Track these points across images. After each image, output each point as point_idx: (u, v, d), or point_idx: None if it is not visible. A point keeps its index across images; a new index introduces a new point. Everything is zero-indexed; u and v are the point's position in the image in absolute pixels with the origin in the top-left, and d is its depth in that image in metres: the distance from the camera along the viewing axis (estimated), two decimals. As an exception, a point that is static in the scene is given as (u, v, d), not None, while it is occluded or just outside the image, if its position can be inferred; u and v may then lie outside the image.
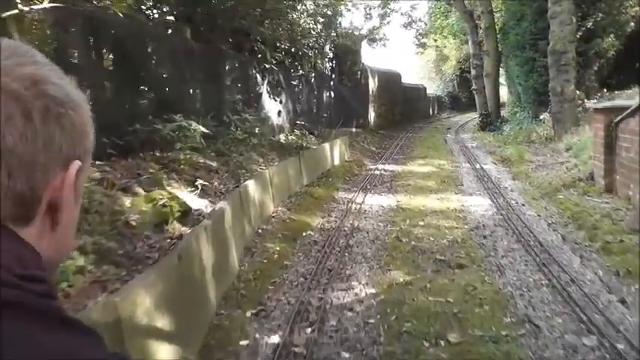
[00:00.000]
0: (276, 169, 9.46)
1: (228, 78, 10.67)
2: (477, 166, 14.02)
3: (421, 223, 8.24)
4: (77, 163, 0.58)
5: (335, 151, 14.01)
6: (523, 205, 9.29)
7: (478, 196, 10.26)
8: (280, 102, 13.57)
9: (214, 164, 8.04)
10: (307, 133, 14.56)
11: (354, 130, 20.33)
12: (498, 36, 30.55)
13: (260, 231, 7.60)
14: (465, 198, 10.05)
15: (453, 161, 15.11)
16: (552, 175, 11.36)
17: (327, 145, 13.40)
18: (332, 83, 19.95)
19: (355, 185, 11.69)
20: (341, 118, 18.77)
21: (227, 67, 10.61)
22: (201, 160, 7.85)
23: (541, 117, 22.57)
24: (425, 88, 40.89)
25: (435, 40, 37.48)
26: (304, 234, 7.76)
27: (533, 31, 22.70)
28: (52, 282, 0.56)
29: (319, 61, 15.70)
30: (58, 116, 0.55)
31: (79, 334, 0.50)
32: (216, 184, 7.48)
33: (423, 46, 34.66)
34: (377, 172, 13.34)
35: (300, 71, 15.09)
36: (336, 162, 13.97)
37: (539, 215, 8.53)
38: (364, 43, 24.39)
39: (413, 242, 7.21)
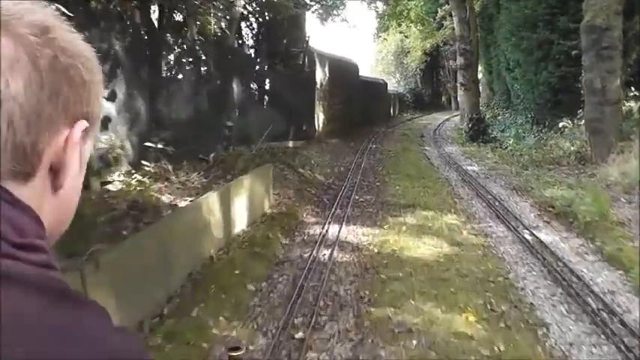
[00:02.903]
0: None
1: None
2: (526, 234, 6.95)
3: None
4: (84, 123, 0.53)
5: (238, 204, 6.65)
6: None
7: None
8: (112, 99, 6.07)
9: None
10: (180, 165, 7.09)
11: (291, 143, 13.01)
12: (478, 20, 24.17)
13: None
14: None
15: (470, 216, 8.00)
16: None
17: (213, 197, 5.99)
18: (257, 69, 12.55)
19: (265, 331, 4.33)
20: (269, 126, 11.42)
21: None
22: None
23: (560, 124, 16.02)
24: (386, 84, 34.03)
25: (399, 24, 30.52)
26: None
27: (550, 3, 16.06)
28: (52, 251, 0.49)
29: (217, 23, 8.35)
30: (66, 68, 0.51)
31: (82, 309, 0.45)
32: None
33: (398, 16, 27.23)
34: (324, 258, 6.06)
35: (177, 38, 7.63)
36: (240, 227, 6.61)
37: None
38: (312, 16, 17.11)
39: None
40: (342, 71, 21.51)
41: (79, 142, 0.52)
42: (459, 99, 30.30)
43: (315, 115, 17.31)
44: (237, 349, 0.93)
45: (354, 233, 7.13)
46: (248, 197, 7.01)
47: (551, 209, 8.23)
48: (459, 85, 19.28)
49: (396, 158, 14.47)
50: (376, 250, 6.32)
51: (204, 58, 8.45)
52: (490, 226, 7.41)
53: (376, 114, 28.54)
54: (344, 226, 7.44)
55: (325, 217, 7.94)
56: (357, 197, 9.33)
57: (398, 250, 6.24)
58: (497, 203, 8.76)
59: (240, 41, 10.62)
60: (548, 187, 9.71)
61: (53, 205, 0.53)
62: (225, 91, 10.12)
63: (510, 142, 17.08)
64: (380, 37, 32.62)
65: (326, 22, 17.15)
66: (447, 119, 32.07)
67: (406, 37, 40.98)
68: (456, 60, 30.81)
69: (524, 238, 6.78)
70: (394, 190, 9.84)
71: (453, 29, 26.18)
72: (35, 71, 0.48)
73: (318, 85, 17.66)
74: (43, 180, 0.51)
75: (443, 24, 31.44)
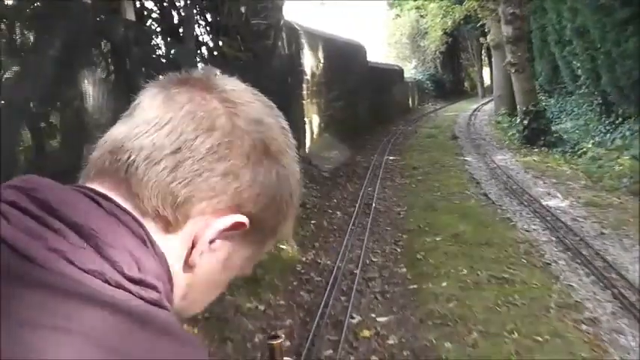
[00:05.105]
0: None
1: None
2: None
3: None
4: (240, 218, 0.51)
5: None
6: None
7: None
8: None
9: None
10: None
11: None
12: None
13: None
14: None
15: None
16: None
17: None
18: (185, 53, 7.37)
19: None
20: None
21: None
22: None
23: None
24: (402, 71, 28.62)
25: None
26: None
27: None
28: (170, 299, 0.49)
29: None
30: (256, 162, 0.51)
31: (185, 346, 0.45)
32: None
33: None
34: None
35: None
36: None
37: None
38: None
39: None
40: (344, 56, 16.24)
41: (228, 235, 0.51)
42: (494, 85, 24.84)
43: (305, 120, 12.11)
44: (276, 337, 0.81)
45: None
46: None
47: None
48: (508, 64, 13.80)
49: (426, 186, 9.17)
50: None
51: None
52: None
53: (391, 108, 23.23)
54: None
55: None
56: (360, 332, 4.12)
57: None
58: None
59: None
60: None
61: (182, 280, 0.51)
62: (94, 97, 4.92)
63: (589, 145, 11.70)
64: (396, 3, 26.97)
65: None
66: (477, 109, 26.66)
67: (422, 16, 35.54)
68: (486, 37, 25.35)
69: None
70: (441, 300, 4.53)
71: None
72: (225, 145, 0.49)
73: (307, 76, 12.46)
74: (182, 246, 0.50)
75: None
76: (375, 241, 6.18)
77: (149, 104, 0.51)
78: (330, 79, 14.29)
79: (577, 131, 14.79)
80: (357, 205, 7.77)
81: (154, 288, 0.46)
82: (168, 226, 0.49)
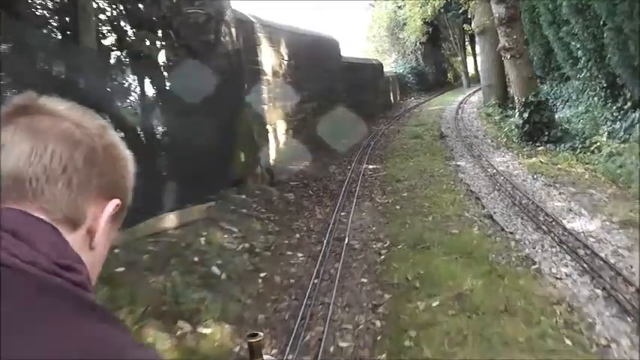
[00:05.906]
0: None
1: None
2: None
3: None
4: (117, 201, 0.64)
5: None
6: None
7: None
8: None
9: None
10: None
11: (173, 219, 5.87)
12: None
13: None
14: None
15: None
16: None
17: None
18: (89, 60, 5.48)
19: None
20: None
21: None
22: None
23: None
24: (381, 65, 26.71)
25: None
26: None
27: None
28: (91, 280, 0.59)
29: None
30: (115, 158, 0.65)
31: (111, 323, 0.53)
32: None
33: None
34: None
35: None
36: None
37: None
38: None
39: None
40: (314, 52, 14.38)
41: (110, 216, 0.64)
42: (480, 73, 23.17)
43: (269, 128, 10.23)
44: (255, 335, 0.88)
45: None
46: None
47: None
48: (502, 50, 11.97)
49: (414, 206, 7.31)
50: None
51: None
52: None
53: (371, 106, 21.33)
54: None
55: None
56: None
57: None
58: None
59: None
60: None
61: (89, 257, 0.61)
62: None
63: (602, 138, 9.94)
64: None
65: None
66: (464, 101, 24.97)
67: (400, 7, 33.82)
68: (470, 23, 23.62)
69: None
70: None
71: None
72: (93, 153, 0.61)
73: (268, 77, 10.56)
74: (84, 236, 0.62)
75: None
76: (345, 306, 4.33)
77: (17, 139, 0.59)
78: (298, 79, 12.42)
79: (581, 121, 13.08)
80: (325, 242, 5.92)
81: (80, 272, 0.55)
82: (74, 226, 0.60)
